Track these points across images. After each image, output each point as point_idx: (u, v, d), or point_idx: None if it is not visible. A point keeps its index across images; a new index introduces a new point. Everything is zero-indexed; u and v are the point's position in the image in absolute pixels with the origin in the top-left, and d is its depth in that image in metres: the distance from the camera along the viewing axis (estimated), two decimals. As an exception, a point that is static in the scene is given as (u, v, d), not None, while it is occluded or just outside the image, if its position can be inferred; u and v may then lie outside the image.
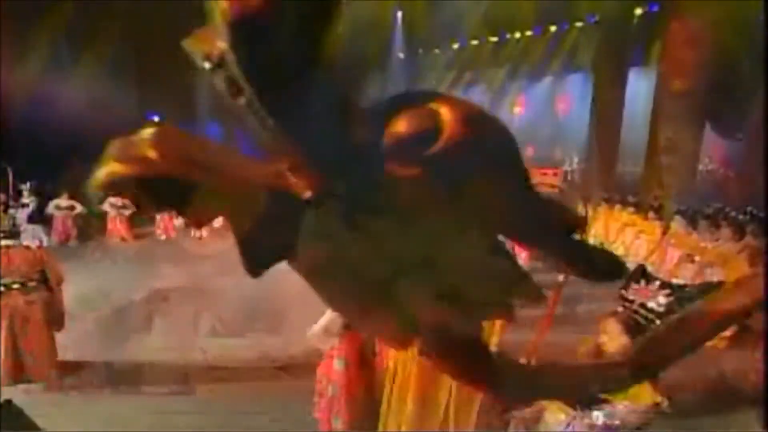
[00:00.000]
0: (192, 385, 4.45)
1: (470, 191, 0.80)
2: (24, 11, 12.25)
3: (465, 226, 0.85)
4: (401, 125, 0.76)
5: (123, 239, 11.40)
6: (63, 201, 10.83)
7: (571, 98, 19.75)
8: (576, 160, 19.81)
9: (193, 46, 0.83)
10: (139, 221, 12.08)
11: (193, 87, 16.42)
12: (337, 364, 3.19)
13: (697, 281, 5.96)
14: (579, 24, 15.67)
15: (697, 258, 6.32)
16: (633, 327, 2.15)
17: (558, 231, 0.91)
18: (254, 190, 0.80)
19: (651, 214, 9.70)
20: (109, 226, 11.50)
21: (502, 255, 0.93)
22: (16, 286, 3.91)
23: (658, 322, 2.08)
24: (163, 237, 12.07)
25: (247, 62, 0.71)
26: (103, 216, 11.79)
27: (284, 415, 3.95)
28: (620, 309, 2.36)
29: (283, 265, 0.89)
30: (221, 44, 0.72)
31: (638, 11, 13.45)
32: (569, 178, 19.05)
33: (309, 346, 4.96)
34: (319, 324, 3.09)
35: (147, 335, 5.59)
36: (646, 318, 2.18)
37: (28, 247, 4.10)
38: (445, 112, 0.76)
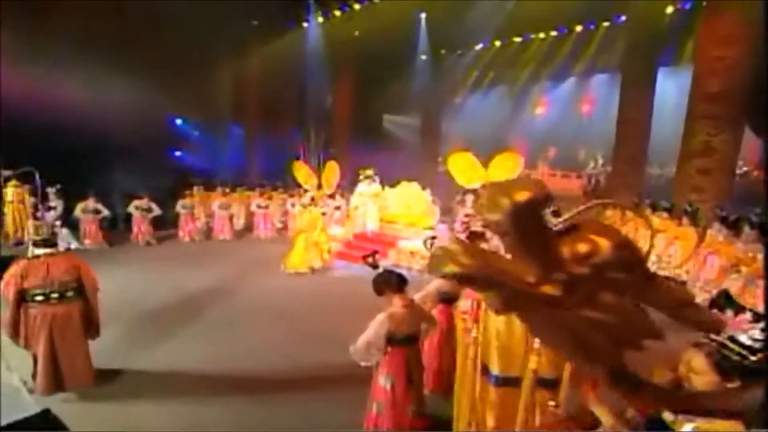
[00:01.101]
0: (225, 395, 4.36)
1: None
2: (48, 14, 12.43)
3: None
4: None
5: (148, 243, 11.45)
6: (90, 204, 10.91)
7: (595, 99, 19.39)
8: (601, 162, 19.43)
9: None
10: (161, 223, 12.17)
11: (216, 90, 16.56)
12: (383, 382, 3.07)
13: (746, 294, 5.69)
14: (606, 24, 15.32)
15: (743, 269, 6.02)
16: (723, 364, 1.95)
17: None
18: None
19: (685, 220, 9.36)
20: (134, 228, 11.57)
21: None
22: (55, 295, 3.87)
23: (753, 358, 1.89)
24: (186, 239, 12.13)
25: None
26: (128, 219, 11.91)
27: (319, 428, 3.84)
28: (703, 340, 2.15)
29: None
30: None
31: (669, 9, 13.07)
32: (594, 181, 18.70)
33: (349, 358, 4.90)
34: (362, 340, 2.97)
35: (177, 342, 5.53)
36: (738, 353, 1.96)
37: (65, 255, 4.06)
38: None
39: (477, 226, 7.66)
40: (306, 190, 13.74)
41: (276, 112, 17.77)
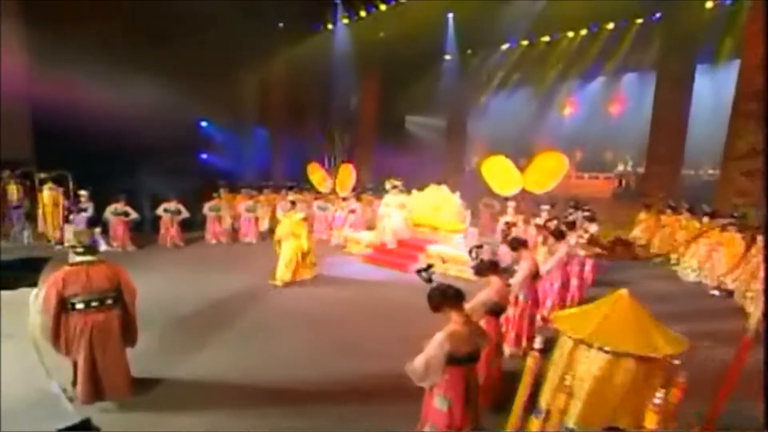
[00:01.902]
0: (261, 406, 4.24)
1: None
2: (77, 18, 12.59)
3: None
4: None
5: (176, 245, 11.50)
6: (119, 206, 10.99)
7: (625, 99, 18.84)
8: (630, 163, 18.89)
9: None
10: (187, 225, 12.22)
11: (241, 93, 16.64)
12: (439, 403, 2.88)
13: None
14: (640, 21, 14.81)
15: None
16: None
17: None
18: None
19: (730, 226, 8.92)
20: (162, 230, 11.64)
21: None
22: (95, 303, 3.81)
23: None
24: (213, 241, 12.15)
25: None
26: (155, 221, 12.00)
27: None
28: None
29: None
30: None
31: (709, 4, 12.56)
32: (623, 183, 18.17)
33: (387, 369, 4.74)
34: (420, 360, 2.79)
35: (210, 349, 5.44)
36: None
37: (105, 263, 3.98)
38: None
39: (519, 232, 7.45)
40: (319, 193, 13.73)
41: (301, 114, 17.78)
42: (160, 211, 11.63)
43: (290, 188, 14.90)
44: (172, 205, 11.61)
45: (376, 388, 4.58)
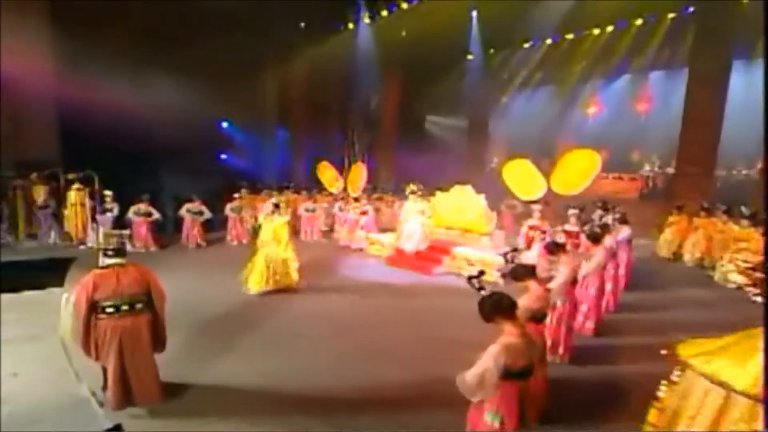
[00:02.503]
0: (294, 414, 4.09)
1: None
2: (100, 21, 12.72)
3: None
4: None
5: (198, 246, 11.51)
6: (142, 207, 11.03)
7: (651, 97, 18.33)
8: (657, 163, 18.36)
9: None
10: (208, 226, 12.23)
11: (261, 93, 16.67)
12: (489, 419, 2.69)
13: None
14: (671, 15, 14.31)
15: None
16: None
17: None
18: None
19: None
20: (184, 231, 11.65)
21: None
22: (125, 307, 3.72)
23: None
24: (235, 242, 12.13)
25: None
26: (177, 222, 12.02)
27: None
28: None
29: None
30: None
31: (745, -3, 12.08)
32: (650, 184, 17.66)
33: (421, 378, 4.59)
34: (473, 374, 2.60)
35: (239, 354, 5.33)
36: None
37: (134, 265, 3.90)
38: None
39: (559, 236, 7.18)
40: (331, 195, 13.51)
41: (321, 114, 17.72)
42: (182, 211, 11.65)
43: (281, 189, 14.73)
44: (195, 206, 11.63)
45: (406, 397, 4.42)
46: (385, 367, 5.05)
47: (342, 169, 13.62)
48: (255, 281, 7.49)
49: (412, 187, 11.23)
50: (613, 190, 16.89)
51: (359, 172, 13.07)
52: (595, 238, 6.10)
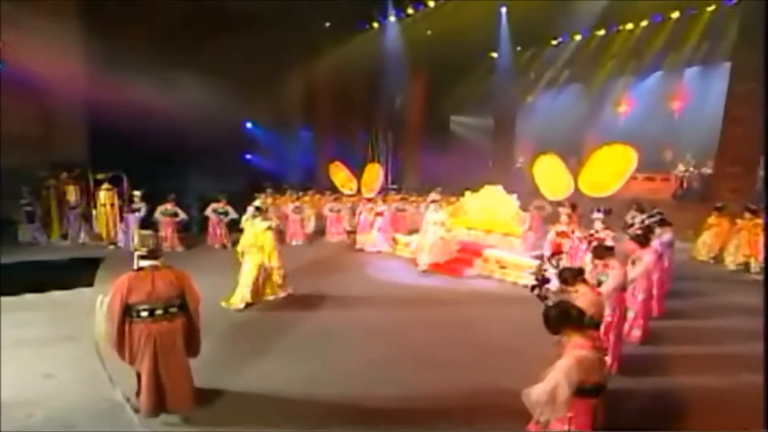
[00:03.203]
0: (332, 425, 3.91)
1: None
2: (129, 22, 12.84)
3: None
4: None
5: (223, 246, 11.48)
6: (168, 207, 11.05)
7: (686, 95, 17.63)
8: (693, 163, 17.65)
9: None
10: (231, 226, 12.19)
11: (286, 93, 16.59)
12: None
13: None
14: (710, 8, 13.68)
15: None
16: None
17: None
18: None
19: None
20: (210, 231, 11.64)
21: None
22: (159, 311, 3.60)
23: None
24: (260, 243, 12.05)
25: None
26: (202, 222, 12.01)
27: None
28: None
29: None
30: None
31: (796, -14, 11.40)
32: (685, 184, 16.99)
33: (464, 388, 4.36)
34: (543, 391, 2.37)
35: (271, 359, 5.17)
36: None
37: (169, 268, 3.77)
38: None
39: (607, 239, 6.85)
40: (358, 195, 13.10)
41: (345, 114, 17.59)
42: (208, 211, 11.64)
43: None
44: (221, 206, 11.60)
45: (446, 407, 4.20)
46: (421, 375, 4.83)
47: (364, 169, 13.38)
48: (239, 294, 6.77)
49: (434, 195, 10.89)
50: (644, 191, 16.30)
51: (374, 173, 12.69)
52: (643, 241, 5.76)
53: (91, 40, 12.72)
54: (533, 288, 3.30)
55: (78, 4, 12.97)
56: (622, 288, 4.87)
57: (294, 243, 12.18)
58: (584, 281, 4.02)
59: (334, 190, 14.24)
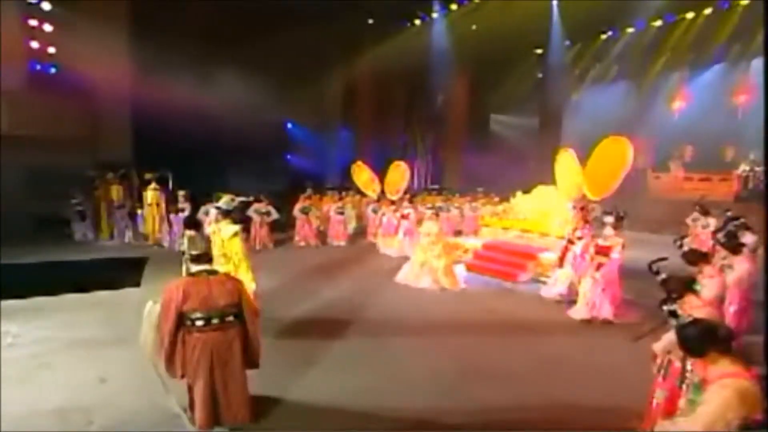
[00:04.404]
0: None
1: None
2: (173, 23, 12.97)
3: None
4: None
5: (265, 246, 11.38)
6: (262, 206, 11.16)
7: (752, 88, 16.38)
8: (757, 162, 16.37)
9: None
10: (278, 227, 12.09)
11: (326, 92, 16.49)
12: None
13: None
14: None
15: None
16: None
17: None
18: None
19: None
20: (253, 231, 11.54)
21: None
22: (215, 321, 3.33)
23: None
24: (302, 244, 11.91)
25: None
26: (243, 222, 11.93)
27: None
28: None
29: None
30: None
31: None
32: (749, 185, 15.77)
33: (525, 399, 3.95)
34: (692, 425, 1.93)
35: (322, 367, 4.88)
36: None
37: (225, 274, 3.53)
38: None
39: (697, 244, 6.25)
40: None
41: (386, 113, 17.32)
42: (250, 212, 11.55)
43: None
44: (263, 206, 11.50)
45: (513, 420, 3.84)
46: (484, 387, 4.46)
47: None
48: None
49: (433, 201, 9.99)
50: (701, 191, 15.25)
51: (398, 173, 12.02)
52: (735, 247, 5.17)
53: (137, 42, 12.94)
54: (661, 303, 2.88)
55: (126, 6, 13.21)
56: (720, 299, 4.33)
57: (335, 244, 11.98)
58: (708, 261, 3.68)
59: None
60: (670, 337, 3.26)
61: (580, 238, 7.10)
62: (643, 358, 3.51)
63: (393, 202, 11.66)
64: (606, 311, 6.25)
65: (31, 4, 12.45)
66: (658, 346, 3.24)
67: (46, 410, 3.79)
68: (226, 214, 5.62)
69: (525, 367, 4.94)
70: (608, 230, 6.65)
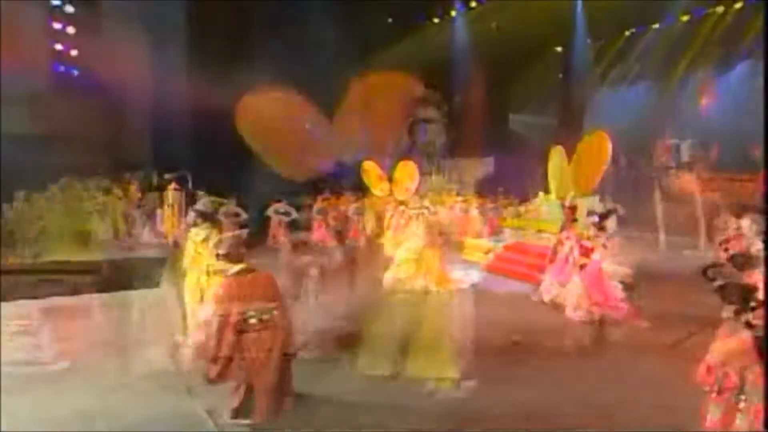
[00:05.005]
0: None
1: None
2: (192, 22, 13.04)
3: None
4: None
5: (282, 246, 11.29)
6: (280, 206, 11.24)
7: (785, 83, 15.78)
8: (790, 162, 15.79)
9: None
10: (294, 228, 11.99)
11: (343, 92, 16.38)
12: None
13: None
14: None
15: None
16: None
17: None
18: None
19: None
20: (272, 231, 11.50)
21: None
22: (253, 320, 3.27)
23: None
24: (320, 245, 11.79)
25: None
26: (261, 222, 11.89)
27: None
28: None
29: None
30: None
31: None
32: (784, 186, 15.19)
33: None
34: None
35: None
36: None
37: (262, 273, 3.51)
38: None
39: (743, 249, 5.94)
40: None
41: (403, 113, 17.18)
42: (269, 212, 11.51)
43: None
44: (282, 206, 11.44)
45: None
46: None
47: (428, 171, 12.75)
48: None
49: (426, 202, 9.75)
50: (723, 194, 14.73)
51: (406, 172, 11.68)
52: (784, 249, 4.85)
53: (155, 42, 13.02)
54: (704, 271, 2.73)
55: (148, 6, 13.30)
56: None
57: (353, 245, 11.81)
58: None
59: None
60: (725, 348, 3.04)
61: (568, 239, 6.91)
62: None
63: (402, 203, 11.43)
64: (597, 312, 6.01)
65: (55, 6, 12.63)
66: (713, 359, 3.01)
67: (68, 414, 3.71)
68: (203, 216, 5.42)
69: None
70: (593, 231, 6.52)
